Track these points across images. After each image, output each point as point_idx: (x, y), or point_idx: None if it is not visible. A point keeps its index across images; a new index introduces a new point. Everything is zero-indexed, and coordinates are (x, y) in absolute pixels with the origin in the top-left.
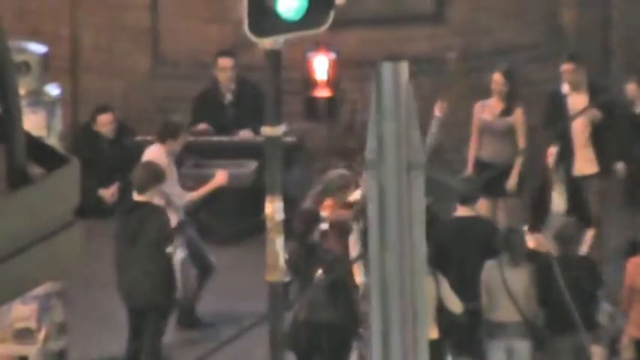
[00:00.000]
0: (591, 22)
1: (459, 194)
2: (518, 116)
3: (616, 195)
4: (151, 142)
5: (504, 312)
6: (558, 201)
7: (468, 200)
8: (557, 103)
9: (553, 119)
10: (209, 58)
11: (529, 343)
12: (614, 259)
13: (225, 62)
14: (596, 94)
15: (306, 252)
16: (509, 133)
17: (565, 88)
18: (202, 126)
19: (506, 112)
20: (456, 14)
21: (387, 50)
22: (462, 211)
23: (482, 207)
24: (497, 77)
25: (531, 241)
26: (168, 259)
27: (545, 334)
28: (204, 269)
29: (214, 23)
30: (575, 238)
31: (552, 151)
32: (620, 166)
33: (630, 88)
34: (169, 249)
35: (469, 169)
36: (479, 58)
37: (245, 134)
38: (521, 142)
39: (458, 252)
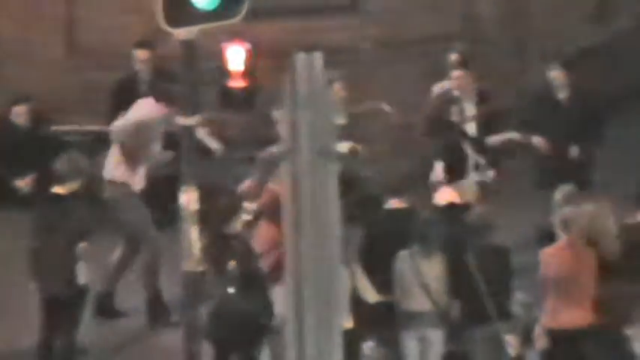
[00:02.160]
0: (507, 11)
1: (390, 186)
2: None
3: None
4: (68, 133)
5: (417, 302)
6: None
7: (398, 192)
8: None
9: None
10: (125, 48)
11: (443, 332)
12: (528, 247)
13: (142, 54)
14: (484, 100)
15: (222, 243)
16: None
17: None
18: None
19: None
20: (371, 4)
21: (301, 41)
22: (393, 203)
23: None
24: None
25: (450, 194)
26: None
27: (458, 324)
28: (131, 251)
29: (130, 13)
30: (489, 227)
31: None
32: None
33: (555, 75)
34: (83, 244)
35: None
36: (394, 48)
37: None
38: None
39: (389, 244)
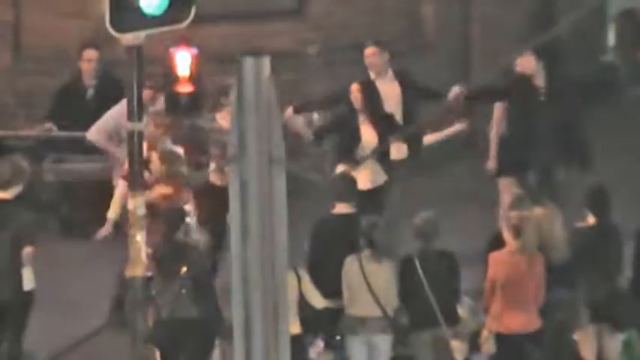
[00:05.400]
0: (450, 15)
1: (334, 191)
2: None
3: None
4: (12, 138)
5: (365, 307)
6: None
7: (343, 197)
8: (369, 89)
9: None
10: (71, 53)
11: (390, 337)
12: (475, 252)
13: (90, 54)
14: (405, 79)
15: (171, 249)
16: None
17: (371, 74)
18: (47, 125)
19: None
20: (316, 9)
21: (247, 45)
22: (339, 208)
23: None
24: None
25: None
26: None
27: (405, 329)
28: None
29: (76, 18)
30: (435, 232)
31: None
32: None
33: (526, 61)
34: (28, 250)
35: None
36: (338, 52)
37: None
38: None
39: (336, 249)
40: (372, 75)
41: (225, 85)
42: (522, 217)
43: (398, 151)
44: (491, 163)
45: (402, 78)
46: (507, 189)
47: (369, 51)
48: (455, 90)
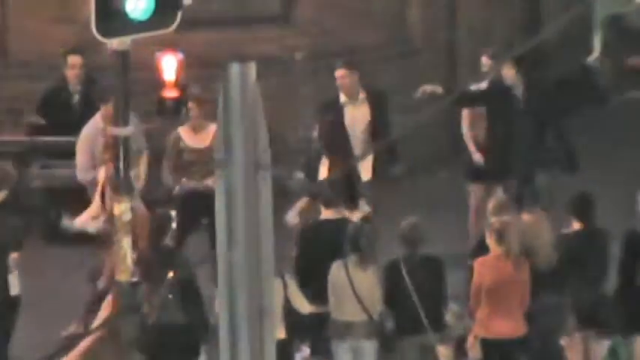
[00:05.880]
0: (436, 21)
1: (322, 197)
2: None
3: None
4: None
5: (351, 312)
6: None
7: (331, 202)
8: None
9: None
10: (58, 58)
11: (375, 343)
12: (460, 258)
13: (74, 60)
14: (376, 99)
15: (158, 255)
16: None
17: (341, 96)
18: (33, 119)
19: None
20: (303, 15)
21: (233, 51)
22: (326, 214)
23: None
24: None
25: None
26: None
27: (391, 334)
28: None
29: (63, 23)
30: (420, 237)
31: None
32: None
33: (508, 73)
34: (14, 255)
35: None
36: (325, 58)
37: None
38: None
39: (322, 254)
40: (343, 98)
41: (189, 93)
42: (505, 222)
43: (365, 172)
44: (477, 157)
45: (374, 101)
46: (478, 194)
47: (339, 73)
48: (425, 88)
